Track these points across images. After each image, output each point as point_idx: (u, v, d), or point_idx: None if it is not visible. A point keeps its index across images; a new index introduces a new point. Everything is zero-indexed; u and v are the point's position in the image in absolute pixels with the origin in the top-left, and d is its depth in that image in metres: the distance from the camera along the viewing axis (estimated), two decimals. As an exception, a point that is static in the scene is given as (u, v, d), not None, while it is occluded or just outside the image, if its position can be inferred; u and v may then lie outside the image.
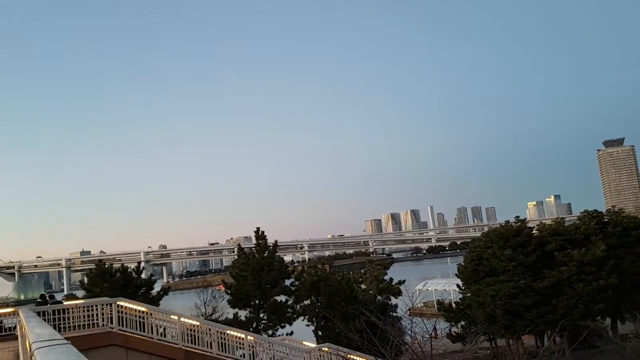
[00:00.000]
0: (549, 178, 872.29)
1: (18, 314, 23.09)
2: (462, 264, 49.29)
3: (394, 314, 47.76)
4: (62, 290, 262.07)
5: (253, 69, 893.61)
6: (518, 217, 48.79)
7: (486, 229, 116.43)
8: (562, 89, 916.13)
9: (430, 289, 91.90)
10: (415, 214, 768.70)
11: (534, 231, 47.61)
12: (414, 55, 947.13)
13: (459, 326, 52.92)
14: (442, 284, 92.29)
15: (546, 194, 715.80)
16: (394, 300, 53.90)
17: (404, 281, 57.34)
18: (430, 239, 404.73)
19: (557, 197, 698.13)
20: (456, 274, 52.46)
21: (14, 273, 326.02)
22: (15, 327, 25.58)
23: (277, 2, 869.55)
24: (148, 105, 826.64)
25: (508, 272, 42.34)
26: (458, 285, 53.76)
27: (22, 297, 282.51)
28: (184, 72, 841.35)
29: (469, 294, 48.56)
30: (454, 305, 56.29)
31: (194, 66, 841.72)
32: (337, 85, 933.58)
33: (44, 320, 20.63)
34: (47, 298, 27.49)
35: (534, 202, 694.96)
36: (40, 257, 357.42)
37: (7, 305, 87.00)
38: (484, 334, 43.23)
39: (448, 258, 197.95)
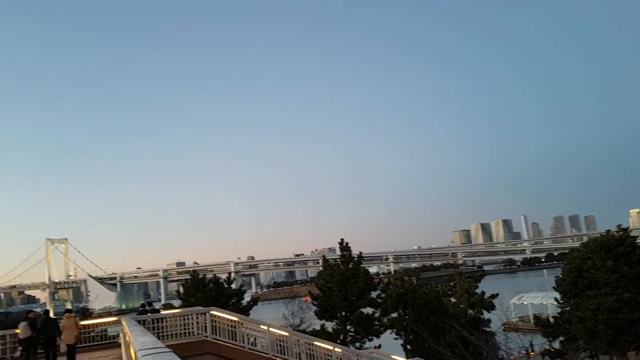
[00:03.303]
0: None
1: (121, 323, 24.60)
2: (560, 276, 47.01)
3: (487, 329, 46.07)
4: (160, 300, 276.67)
5: (337, 79, 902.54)
6: (620, 225, 45.97)
7: (585, 238, 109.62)
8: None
9: (525, 302, 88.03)
10: (507, 223, 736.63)
11: (638, 240, 44.42)
12: (509, 59, 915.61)
13: (557, 342, 50.41)
14: (539, 297, 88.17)
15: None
16: (486, 315, 51.91)
17: (497, 294, 54.99)
18: (525, 250, 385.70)
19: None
20: (554, 287, 50.18)
21: (116, 284, 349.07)
22: (117, 335, 27.30)
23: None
24: (234, 117, 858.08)
25: (610, 284, 39.97)
26: (556, 299, 51.34)
27: (123, 306, 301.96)
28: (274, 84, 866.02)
29: (568, 308, 46.32)
30: (551, 319, 53.80)
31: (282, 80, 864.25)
32: (423, 92, 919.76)
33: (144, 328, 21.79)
34: (147, 306, 29.03)
35: (638, 210, 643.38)
36: (139, 268, 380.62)
37: (110, 315, 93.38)
38: (584, 350, 40.89)
39: (544, 270, 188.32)
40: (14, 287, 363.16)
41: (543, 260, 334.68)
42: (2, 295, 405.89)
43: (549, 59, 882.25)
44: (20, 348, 25.04)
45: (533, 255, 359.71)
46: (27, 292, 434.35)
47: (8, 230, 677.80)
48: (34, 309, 28.24)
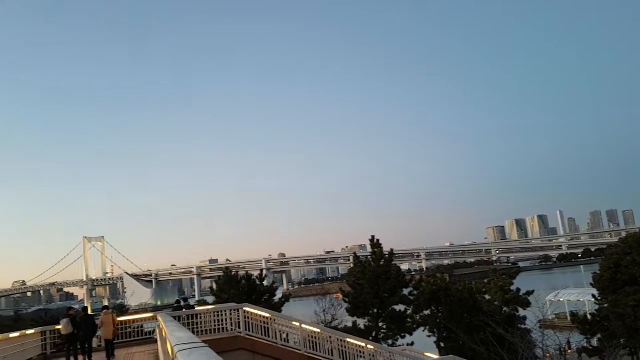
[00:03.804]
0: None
1: (157, 319, 25.08)
2: (598, 272, 45.91)
3: (523, 326, 45.29)
4: (194, 296, 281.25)
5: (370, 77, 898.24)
6: (661, 220, 44.49)
7: (624, 234, 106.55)
8: None
9: (562, 299, 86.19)
10: (542, 219, 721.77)
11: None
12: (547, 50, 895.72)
13: (595, 339, 49.28)
14: (576, 294, 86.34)
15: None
16: (522, 312, 51.02)
17: (533, 291, 53.94)
18: (561, 246, 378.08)
19: None
20: (591, 284, 49.13)
21: (152, 281, 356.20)
22: (154, 331, 27.83)
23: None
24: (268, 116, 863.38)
25: (651, 280, 38.73)
26: (594, 296, 50.25)
27: (158, 302, 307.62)
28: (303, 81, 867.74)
29: (606, 305, 45.21)
30: (589, 317, 52.58)
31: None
32: (454, 89, 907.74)
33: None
34: (183, 302, 29.50)
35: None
36: (174, 265, 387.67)
37: (146, 311, 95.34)
38: (624, 347, 39.82)
39: (582, 266, 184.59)
40: (53, 284, 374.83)
41: (580, 256, 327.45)
42: (41, 292, 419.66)
43: (584, 48, 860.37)
44: (59, 343, 25.84)
45: (569, 251, 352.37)
46: (66, 290, 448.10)
47: (47, 228, 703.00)
48: (73, 306, 28.97)
